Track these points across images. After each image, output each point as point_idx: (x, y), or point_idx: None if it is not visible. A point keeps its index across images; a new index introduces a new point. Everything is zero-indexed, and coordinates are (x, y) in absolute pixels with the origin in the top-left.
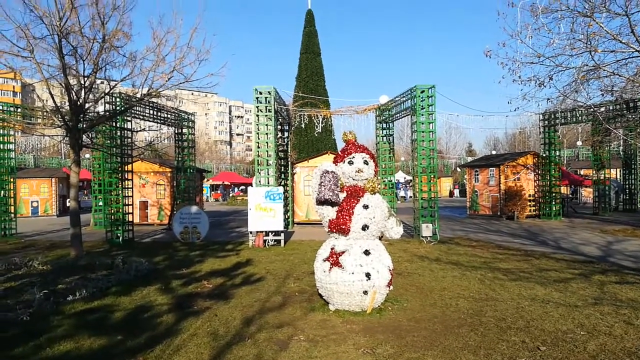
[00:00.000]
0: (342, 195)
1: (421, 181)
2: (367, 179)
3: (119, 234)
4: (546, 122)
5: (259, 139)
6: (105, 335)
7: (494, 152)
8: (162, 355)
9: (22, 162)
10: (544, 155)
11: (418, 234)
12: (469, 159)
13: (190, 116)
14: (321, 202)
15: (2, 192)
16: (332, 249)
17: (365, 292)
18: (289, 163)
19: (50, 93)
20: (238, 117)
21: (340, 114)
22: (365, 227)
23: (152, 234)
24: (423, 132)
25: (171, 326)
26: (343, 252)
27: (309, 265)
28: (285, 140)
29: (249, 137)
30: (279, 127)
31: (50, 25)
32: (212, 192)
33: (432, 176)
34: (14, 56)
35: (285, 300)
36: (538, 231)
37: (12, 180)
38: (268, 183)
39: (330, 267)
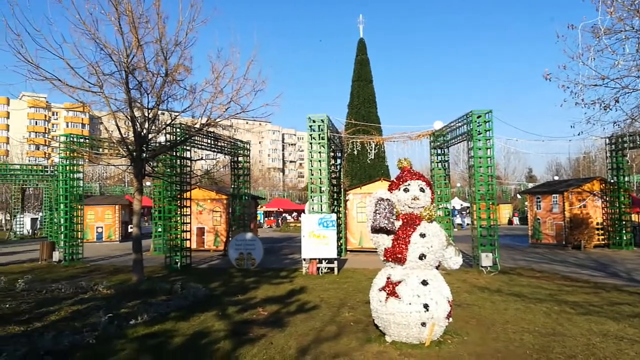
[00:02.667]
0: (398, 224)
1: (479, 208)
2: (423, 206)
3: (177, 260)
4: (613, 146)
5: (312, 166)
6: None
7: (556, 178)
8: None
9: (89, 189)
10: (612, 181)
11: (477, 264)
12: (530, 185)
13: (245, 145)
14: (376, 230)
15: (71, 218)
16: (388, 278)
17: (424, 324)
18: (342, 190)
19: (117, 125)
20: (291, 144)
21: (393, 141)
22: (422, 257)
23: (209, 259)
24: (480, 157)
25: (228, 353)
26: (399, 282)
27: (363, 294)
28: (338, 167)
29: (301, 164)
30: (332, 154)
31: (118, 62)
32: (266, 219)
33: (491, 203)
34: (85, 91)
35: (340, 329)
36: (608, 262)
37: (80, 207)
38: (321, 210)
39: (387, 297)
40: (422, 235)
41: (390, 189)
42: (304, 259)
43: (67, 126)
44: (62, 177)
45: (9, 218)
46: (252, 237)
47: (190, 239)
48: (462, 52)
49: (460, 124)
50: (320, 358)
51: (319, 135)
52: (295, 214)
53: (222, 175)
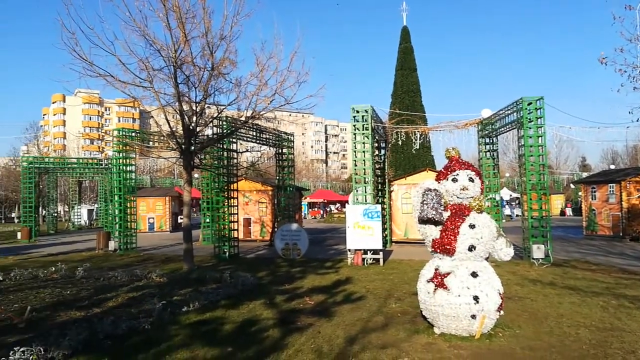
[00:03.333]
0: (446, 214)
1: (530, 199)
2: (472, 197)
3: (225, 249)
4: None
5: (356, 157)
6: (217, 347)
7: (612, 167)
8: None
9: (140, 182)
10: None
11: (528, 256)
12: (583, 174)
13: (289, 136)
14: (424, 221)
15: (125, 210)
16: (436, 269)
17: (474, 316)
18: (386, 181)
19: (166, 119)
20: (334, 136)
21: (438, 130)
22: (471, 248)
23: (255, 249)
24: (531, 146)
25: (277, 341)
26: (448, 274)
27: (410, 286)
28: (382, 157)
29: (344, 155)
30: (376, 144)
31: (167, 57)
32: (310, 210)
33: (543, 193)
34: (135, 86)
35: (387, 320)
36: None
37: (133, 199)
38: (365, 201)
39: (435, 289)
40: (472, 226)
41: (437, 179)
42: (349, 250)
43: (119, 121)
44: (115, 170)
45: (67, 209)
46: (297, 228)
47: (237, 230)
48: (510, 37)
49: (509, 112)
50: (368, 348)
51: (363, 125)
52: (338, 205)
53: (267, 167)
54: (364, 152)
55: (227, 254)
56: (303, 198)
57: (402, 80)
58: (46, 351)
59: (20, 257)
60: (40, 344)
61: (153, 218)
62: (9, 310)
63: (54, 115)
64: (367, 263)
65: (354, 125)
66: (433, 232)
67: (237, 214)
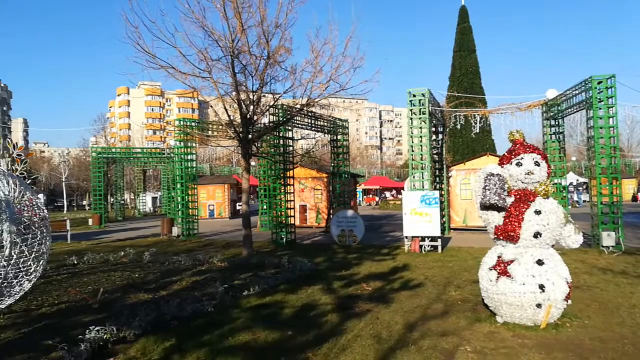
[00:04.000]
0: (510, 200)
1: (600, 183)
2: (538, 181)
3: (282, 236)
4: None
5: (412, 142)
6: (278, 330)
7: None
8: (329, 354)
9: (200, 170)
10: None
11: (597, 243)
12: None
13: (344, 123)
14: (486, 206)
15: (187, 197)
16: (499, 257)
17: (539, 305)
18: (444, 166)
19: (225, 108)
20: (388, 121)
21: (500, 113)
22: (537, 235)
23: (311, 236)
24: (601, 127)
25: (335, 326)
26: (512, 261)
27: (470, 273)
28: (440, 142)
29: (399, 141)
30: (433, 129)
31: (224, 47)
32: (365, 197)
33: (614, 177)
34: (195, 77)
35: (447, 308)
36: None
37: (194, 186)
38: (423, 187)
39: (498, 277)
40: (537, 212)
41: (500, 164)
42: (406, 237)
43: (179, 111)
44: (177, 159)
45: (133, 197)
46: (353, 215)
47: (293, 216)
48: (576, 14)
49: (577, 92)
50: (428, 335)
51: (420, 109)
52: (394, 191)
53: (322, 154)
54: (420, 137)
55: (284, 240)
56: (358, 185)
57: (460, 62)
58: (119, 330)
59: (92, 242)
60: (113, 323)
61: (213, 205)
62: (84, 292)
63: (119, 107)
64: (424, 250)
65: (411, 110)
66: (495, 219)
67: (293, 200)
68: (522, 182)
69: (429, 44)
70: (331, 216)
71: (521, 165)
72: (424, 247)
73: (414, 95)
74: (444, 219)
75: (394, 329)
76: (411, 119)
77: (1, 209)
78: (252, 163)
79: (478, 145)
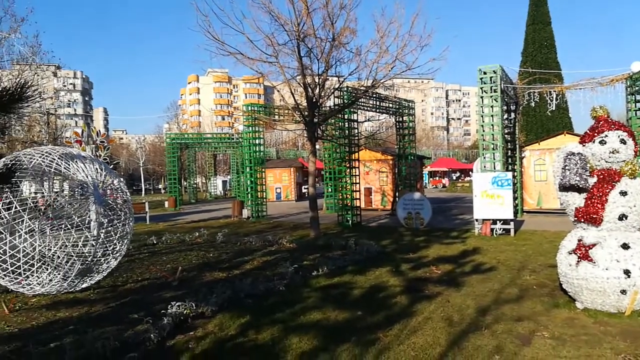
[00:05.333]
0: (592, 180)
1: None
2: (624, 160)
3: (348, 218)
4: None
5: (483, 121)
6: (347, 310)
7: None
8: (400, 335)
9: (267, 154)
10: None
11: None
12: None
13: (410, 104)
14: (566, 187)
15: (255, 180)
16: (579, 240)
17: (624, 292)
18: (517, 146)
19: (291, 92)
20: (455, 101)
21: (578, 88)
22: (622, 217)
23: (377, 218)
24: None
25: (405, 308)
26: (594, 245)
27: (545, 258)
28: (512, 121)
29: (466, 121)
30: (505, 107)
31: (290, 32)
32: (431, 179)
33: None
34: (262, 62)
35: (522, 293)
36: None
37: (262, 170)
38: (494, 168)
39: (578, 261)
40: (623, 193)
41: (582, 142)
42: (476, 220)
43: (246, 97)
44: (246, 144)
45: (204, 181)
46: (420, 197)
47: (359, 199)
48: None
49: None
50: (502, 320)
51: (491, 87)
52: (458, 173)
53: (388, 136)
54: (492, 116)
55: (350, 222)
56: (424, 167)
57: (534, 36)
58: (197, 306)
59: (169, 223)
60: (192, 300)
61: (280, 188)
62: (164, 270)
63: (190, 95)
64: (496, 233)
65: (481, 88)
66: (576, 200)
67: (359, 183)
68: (606, 162)
69: (500, 18)
70: (397, 199)
71: (605, 143)
72: (496, 231)
73: (485, 73)
74: (516, 202)
75: (466, 313)
76: (482, 97)
77: (89, 192)
78: (317, 146)
79: (553, 123)
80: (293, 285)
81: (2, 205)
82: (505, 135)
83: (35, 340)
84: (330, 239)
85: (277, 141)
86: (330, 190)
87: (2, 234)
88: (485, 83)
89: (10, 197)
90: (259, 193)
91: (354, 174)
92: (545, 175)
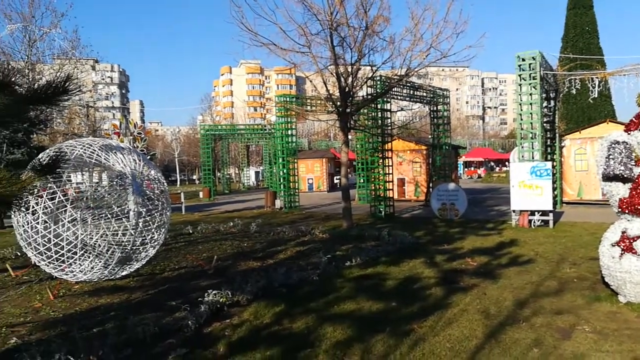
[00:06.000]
0: (637, 170)
1: None
2: None
3: (381, 209)
4: None
5: (521, 110)
6: (381, 301)
7: None
8: (435, 327)
9: (299, 145)
10: None
11: None
12: None
13: (445, 92)
14: (609, 177)
15: (288, 171)
16: (623, 232)
17: None
18: (557, 135)
19: (324, 82)
20: (491, 89)
21: (622, 75)
22: None
23: (410, 209)
24: None
25: (440, 299)
26: (639, 237)
27: (586, 250)
28: (552, 109)
29: (503, 109)
30: (544, 95)
31: (323, 21)
32: (465, 169)
33: None
34: (295, 53)
35: (561, 285)
36: None
37: (294, 161)
38: (532, 158)
39: (622, 254)
40: None
41: (627, 130)
42: (513, 211)
43: (278, 88)
44: (278, 134)
45: (237, 171)
46: (454, 188)
47: (392, 189)
48: None
49: None
50: (541, 313)
51: (530, 74)
52: (492, 163)
53: (421, 126)
54: (530, 104)
55: (382, 213)
56: (459, 157)
57: (574, 21)
58: (232, 295)
59: (204, 213)
60: (227, 288)
61: (312, 178)
62: (200, 259)
63: (223, 86)
64: (534, 225)
65: (519, 75)
66: (620, 191)
67: (392, 174)
68: None
69: (538, 2)
70: (431, 189)
71: None
72: (534, 222)
73: (523, 60)
74: (555, 192)
75: (503, 305)
76: (520, 85)
77: (128, 182)
78: (350, 136)
79: (595, 111)
80: (326, 275)
81: (47, 195)
82: (545, 124)
83: (79, 325)
84: (363, 229)
85: (309, 132)
86: (362, 180)
87: (47, 222)
88: (523, 70)
89: (54, 187)
90: (291, 184)
91: (387, 164)
92: (587, 165)
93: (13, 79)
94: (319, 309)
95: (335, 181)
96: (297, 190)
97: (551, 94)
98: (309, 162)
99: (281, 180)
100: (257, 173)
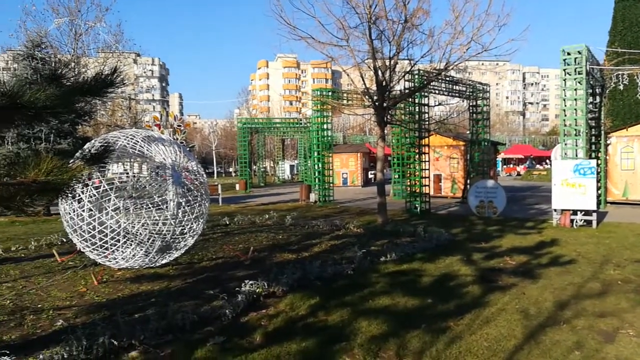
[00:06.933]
0: None
1: None
2: None
3: (417, 205)
4: None
5: (565, 105)
6: (417, 297)
7: None
8: (472, 325)
9: (334, 139)
10: None
11: None
12: None
13: (485, 87)
14: None
15: (323, 165)
16: None
17: None
18: (602, 132)
19: (362, 76)
20: (533, 84)
21: None
22: None
23: (446, 206)
24: None
25: (477, 298)
26: None
27: (632, 252)
28: (597, 105)
29: (544, 105)
30: (590, 90)
31: (362, 14)
32: (504, 166)
33: None
34: (333, 46)
35: (605, 288)
36: None
37: (329, 155)
38: (576, 155)
39: None
40: None
41: None
42: (555, 210)
43: (313, 82)
44: (314, 128)
45: (272, 165)
46: (493, 185)
47: (428, 185)
48: None
49: None
50: (582, 315)
51: (575, 69)
52: (530, 161)
53: (460, 121)
54: (575, 99)
55: (418, 209)
56: (497, 153)
57: (623, 13)
58: (269, 286)
59: (240, 205)
60: (263, 279)
61: (346, 173)
62: (236, 249)
63: (259, 80)
64: (576, 225)
65: (564, 70)
66: None
67: (428, 169)
68: None
69: None
70: (468, 186)
71: None
72: (576, 222)
73: (569, 54)
74: (599, 192)
75: (543, 306)
76: (564, 80)
77: (168, 173)
78: (386, 131)
79: None
80: (361, 269)
81: (92, 184)
82: (589, 121)
83: (122, 310)
84: (398, 225)
85: (344, 126)
86: (397, 176)
87: (92, 210)
88: (569, 64)
89: (99, 176)
90: (326, 178)
91: (423, 159)
92: (633, 164)
93: (63, 72)
94: (354, 302)
95: (370, 176)
96: (331, 185)
97: (597, 90)
98: (344, 157)
99: (316, 174)
100: (291, 167)
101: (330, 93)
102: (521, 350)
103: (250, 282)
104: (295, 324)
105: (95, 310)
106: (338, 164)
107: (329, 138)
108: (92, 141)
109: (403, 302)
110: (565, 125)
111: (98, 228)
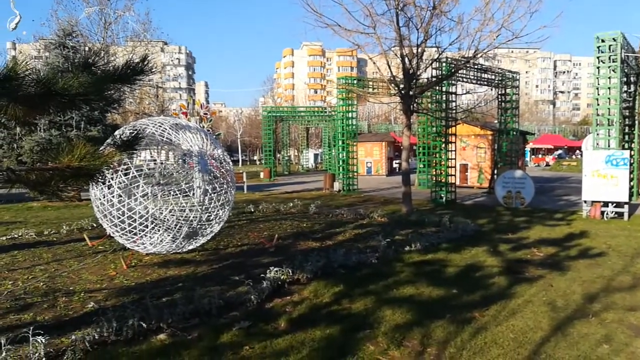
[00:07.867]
0: None
1: None
2: None
3: (442, 195)
4: None
5: (598, 94)
6: (441, 287)
7: None
8: (497, 316)
9: (359, 128)
10: None
11: None
12: None
13: (514, 75)
14: None
15: (347, 154)
16: None
17: None
18: (636, 122)
19: (388, 64)
20: (564, 72)
21: None
22: None
23: (473, 196)
24: None
25: (503, 289)
26: None
27: None
28: (632, 94)
29: (576, 94)
30: (624, 79)
31: (389, 1)
32: (533, 157)
33: None
34: (359, 34)
35: (636, 281)
36: None
37: (354, 144)
38: (608, 146)
39: None
40: None
41: None
42: (584, 201)
43: (339, 70)
44: (339, 117)
45: (297, 153)
46: (522, 175)
47: (454, 175)
48: None
49: None
50: (612, 308)
51: (610, 57)
52: (561, 151)
53: (488, 110)
54: (608, 88)
55: (443, 199)
56: (526, 143)
57: None
58: (293, 273)
59: (264, 193)
60: (288, 266)
61: (370, 162)
62: (261, 237)
63: (284, 68)
64: (606, 217)
65: (598, 57)
66: None
67: (455, 159)
68: None
69: None
70: (495, 176)
71: None
72: (606, 214)
73: (603, 41)
74: (632, 183)
75: (571, 298)
76: (598, 68)
77: (195, 160)
78: (412, 120)
79: None
80: (385, 258)
81: (121, 171)
82: (623, 110)
83: (150, 294)
84: (423, 215)
85: (369, 114)
86: (422, 165)
87: (122, 196)
88: (602, 52)
89: (129, 163)
90: (350, 166)
91: (449, 149)
92: None
93: (94, 60)
94: (378, 291)
95: (394, 165)
96: (355, 174)
97: (632, 78)
98: (368, 146)
99: (340, 163)
100: (315, 155)
101: (355, 81)
102: (548, 343)
103: (275, 268)
104: (319, 311)
105: (125, 293)
106: (362, 153)
107: (354, 127)
108: (122, 128)
109: (427, 292)
110: (597, 115)
111: (127, 214)
